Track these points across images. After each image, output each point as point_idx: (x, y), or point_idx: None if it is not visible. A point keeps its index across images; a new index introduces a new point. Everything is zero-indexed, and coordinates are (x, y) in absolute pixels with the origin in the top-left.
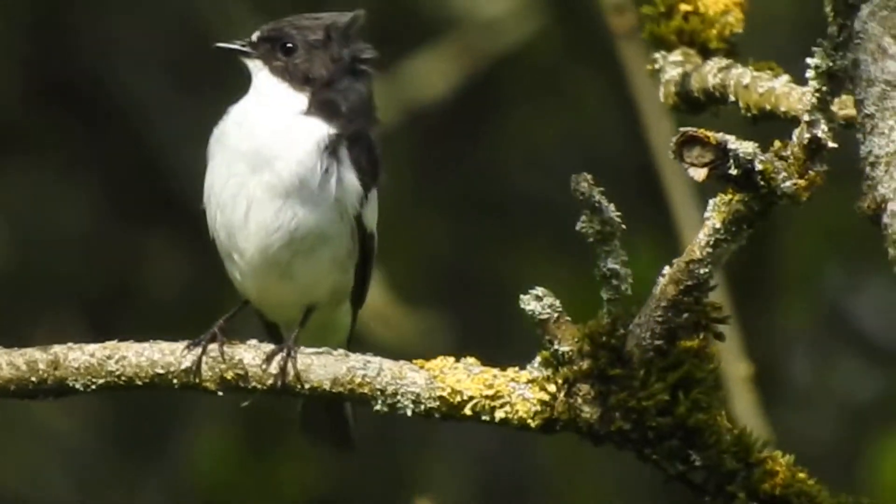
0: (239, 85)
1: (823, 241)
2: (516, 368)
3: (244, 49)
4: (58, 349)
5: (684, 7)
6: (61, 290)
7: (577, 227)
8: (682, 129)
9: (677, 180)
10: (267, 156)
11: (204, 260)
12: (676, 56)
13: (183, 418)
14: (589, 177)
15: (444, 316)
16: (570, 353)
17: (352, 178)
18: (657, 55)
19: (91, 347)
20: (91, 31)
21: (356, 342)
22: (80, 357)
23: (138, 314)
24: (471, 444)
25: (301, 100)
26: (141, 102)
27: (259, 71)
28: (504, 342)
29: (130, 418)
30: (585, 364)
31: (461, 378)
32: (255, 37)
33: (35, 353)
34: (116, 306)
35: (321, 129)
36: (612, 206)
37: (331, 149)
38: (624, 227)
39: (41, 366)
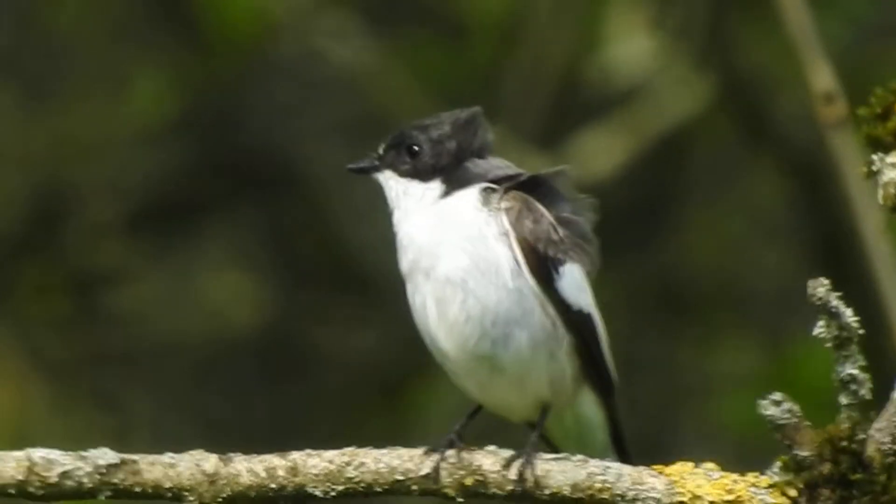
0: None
1: None
2: (756, 474)
3: (373, 166)
4: (296, 455)
5: None
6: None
7: (814, 333)
8: None
9: (888, 274)
10: (429, 259)
11: (389, 330)
12: (894, 157)
13: None
14: (826, 282)
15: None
16: (811, 458)
17: (527, 248)
18: (874, 157)
19: (329, 454)
20: (265, 101)
21: None
22: (318, 464)
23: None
24: None
25: (434, 187)
26: (317, 172)
27: (388, 180)
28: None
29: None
30: (826, 468)
31: (701, 483)
32: (381, 149)
33: (274, 460)
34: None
35: (467, 197)
36: (849, 311)
37: (487, 216)
38: (862, 331)
39: (280, 472)
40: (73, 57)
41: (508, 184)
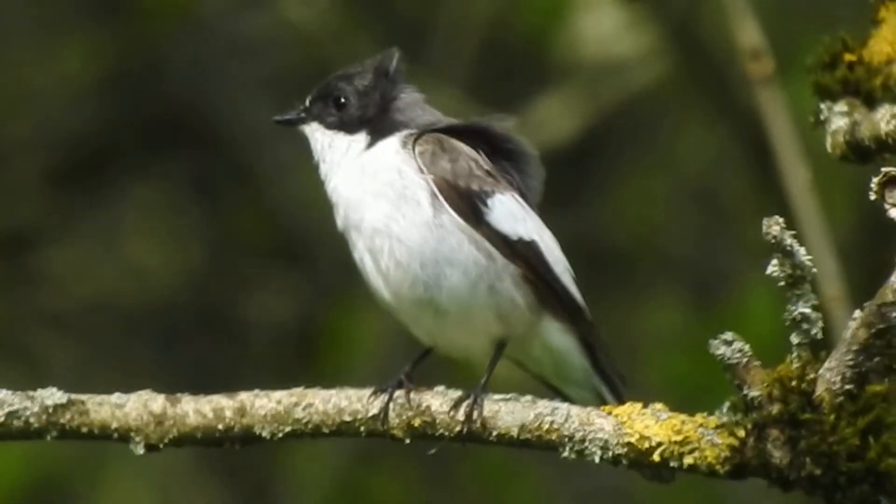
0: None
1: None
2: (704, 414)
3: (300, 118)
4: (244, 396)
5: (848, 57)
6: (163, 319)
7: (767, 271)
8: (884, 168)
9: (812, 225)
10: (356, 212)
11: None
12: (842, 106)
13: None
14: (781, 220)
15: None
16: (760, 398)
17: (445, 187)
18: (822, 106)
19: (278, 394)
20: (187, 55)
21: None
22: (266, 404)
23: (244, 347)
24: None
25: (360, 139)
26: (241, 128)
27: (314, 132)
28: None
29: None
30: (775, 409)
31: (649, 424)
32: (307, 101)
33: (221, 400)
34: (219, 337)
35: (389, 146)
36: (803, 250)
37: (405, 158)
38: (815, 270)
39: (228, 413)
40: None
41: (428, 129)
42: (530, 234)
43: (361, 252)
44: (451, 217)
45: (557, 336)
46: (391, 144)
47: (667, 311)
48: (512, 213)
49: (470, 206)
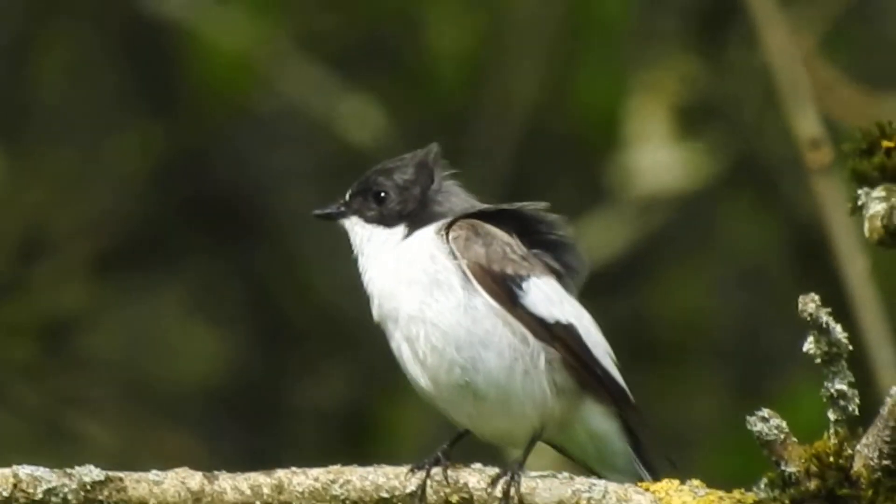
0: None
1: None
2: (742, 490)
3: (339, 212)
4: (281, 473)
5: (886, 143)
6: (207, 407)
7: (804, 349)
8: None
9: (874, 316)
10: (391, 301)
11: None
12: (880, 192)
13: None
14: (816, 297)
15: None
16: (798, 474)
17: (479, 272)
18: (860, 191)
19: (315, 472)
20: (231, 147)
21: None
22: (304, 481)
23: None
24: None
25: (398, 231)
26: (286, 218)
27: (354, 226)
28: None
29: None
30: (813, 484)
31: (687, 500)
32: (347, 195)
33: (259, 478)
34: (263, 424)
35: (424, 235)
36: (839, 327)
37: (438, 244)
38: (851, 347)
39: (265, 490)
40: (53, 102)
41: (462, 215)
42: (567, 317)
43: (399, 341)
44: (484, 300)
45: (599, 420)
46: (426, 233)
47: (713, 396)
48: (548, 296)
49: (504, 289)
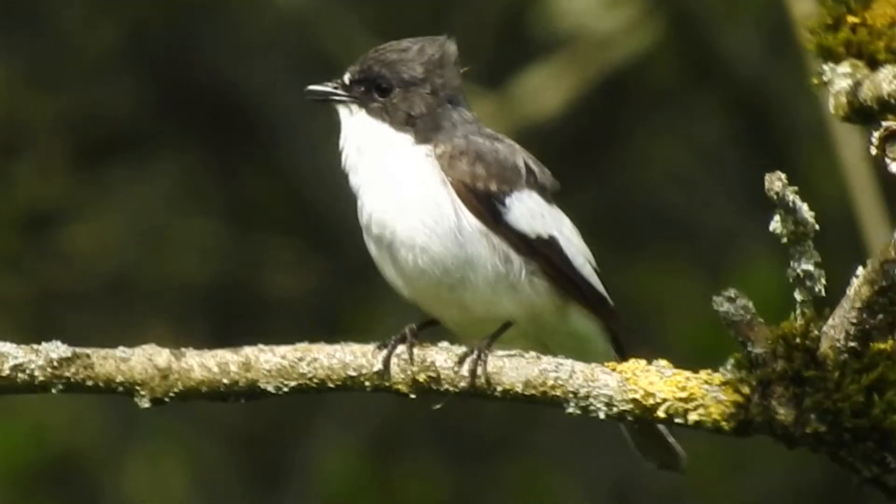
0: None
1: None
2: (709, 371)
3: (338, 93)
4: (249, 351)
5: (851, 19)
6: (184, 295)
7: (770, 228)
8: (885, 123)
9: (861, 181)
10: (381, 218)
11: (333, 266)
12: (845, 67)
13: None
14: (783, 176)
15: None
16: (764, 355)
17: (464, 190)
18: (825, 67)
19: (282, 349)
20: (219, 36)
21: None
22: (271, 359)
23: (262, 320)
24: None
25: (406, 139)
26: (271, 112)
27: (356, 113)
28: None
29: (260, 432)
30: (779, 366)
31: (654, 380)
32: (346, 78)
33: (227, 355)
34: (239, 312)
35: (419, 153)
36: (805, 206)
37: (432, 166)
38: (818, 227)
39: (233, 368)
40: None
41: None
42: (549, 230)
43: (382, 253)
44: (470, 222)
45: (582, 322)
46: (422, 151)
47: (676, 276)
48: (531, 210)
49: (488, 207)
